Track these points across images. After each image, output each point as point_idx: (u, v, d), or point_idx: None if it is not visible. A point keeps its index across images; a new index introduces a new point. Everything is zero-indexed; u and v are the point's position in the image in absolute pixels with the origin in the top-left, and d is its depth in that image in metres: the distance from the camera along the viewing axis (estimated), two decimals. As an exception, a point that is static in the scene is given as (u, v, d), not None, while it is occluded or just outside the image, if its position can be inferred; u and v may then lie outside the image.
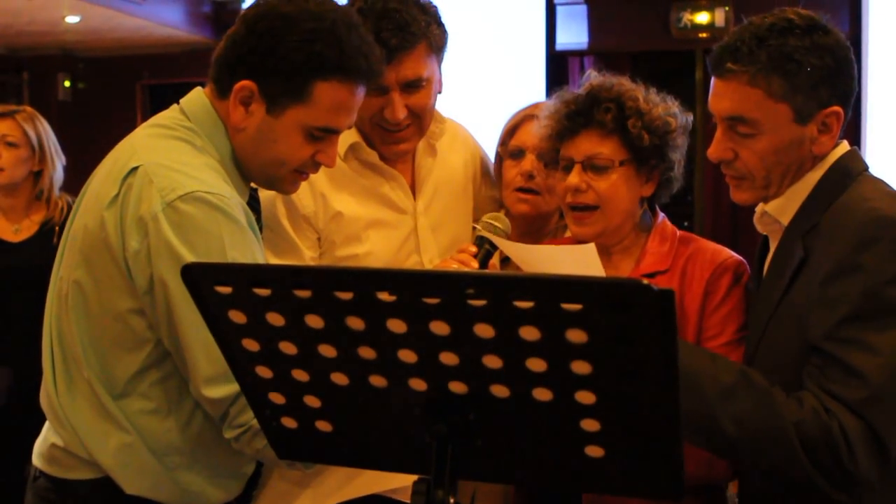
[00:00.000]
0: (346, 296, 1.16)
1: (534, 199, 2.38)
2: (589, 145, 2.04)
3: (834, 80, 1.79)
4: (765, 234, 1.96)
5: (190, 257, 1.67)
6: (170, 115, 1.89)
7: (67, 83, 8.47)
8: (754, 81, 1.77)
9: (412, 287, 1.13)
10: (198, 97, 1.89)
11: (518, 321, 1.11)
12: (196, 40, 7.59)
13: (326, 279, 1.17)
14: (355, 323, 1.19)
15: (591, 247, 1.86)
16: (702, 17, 6.48)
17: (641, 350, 1.10)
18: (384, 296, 1.14)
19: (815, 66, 1.77)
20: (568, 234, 2.24)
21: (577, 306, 1.07)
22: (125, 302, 1.75)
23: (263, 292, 1.20)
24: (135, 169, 1.74)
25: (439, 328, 1.15)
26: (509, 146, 2.42)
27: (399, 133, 2.17)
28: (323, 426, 1.36)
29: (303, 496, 2.13)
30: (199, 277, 1.22)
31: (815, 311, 1.71)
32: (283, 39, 1.77)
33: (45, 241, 3.64)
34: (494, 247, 2.08)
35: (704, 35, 6.56)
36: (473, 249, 2.06)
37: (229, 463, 1.88)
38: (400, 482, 2.14)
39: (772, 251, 1.91)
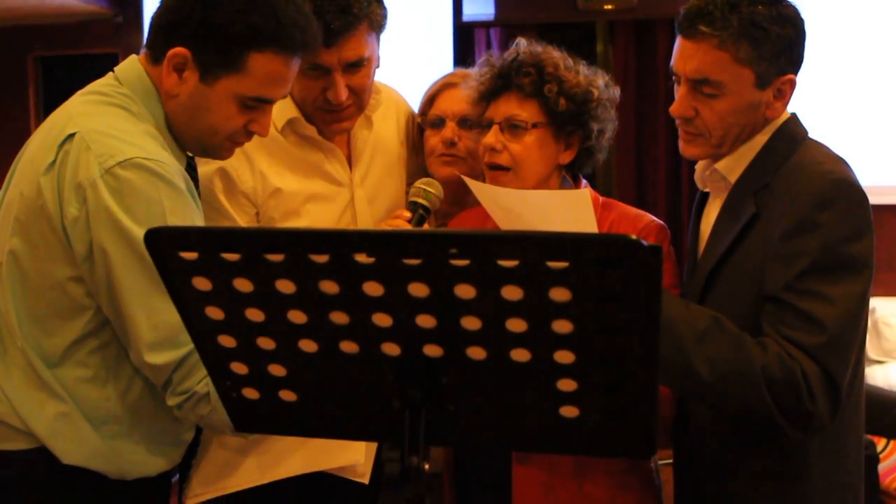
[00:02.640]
0: (321, 259, 1.12)
1: (456, 161, 2.39)
2: (508, 107, 2.11)
3: (792, 49, 1.90)
4: (706, 190, 2.05)
5: (129, 224, 1.67)
6: (105, 82, 1.86)
7: (-47, 56, 8.11)
8: (723, 45, 1.85)
9: (393, 248, 1.10)
10: (131, 64, 1.87)
11: (501, 280, 1.09)
12: (91, 10, 7.29)
13: (302, 242, 1.13)
14: (329, 287, 1.15)
15: (586, 192, 1.87)
16: (607, -10, 6.53)
17: (625, 307, 1.10)
18: (362, 258, 1.11)
19: (779, 35, 1.86)
20: None
21: (562, 264, 1.06)
22: (63, 270, 1.73)
23: (232, 257, 1.16)
24: (71, 135, 1.73)
25: (418, 290, 1.13)
26: (429, 115, 2.43)
27: (341, 113, 2.17)
28: (287, 396, 1.32)
29: (246, 464, 2.11)
30: (163, 243, 1.17)
31: (774, 265, 1.80)
32: (219, 9, 1.76)
33: None
34: (428, 211, 2.12)
35: (609, 7, 6.61)
36: (407, 215, 2.09)
37: (169, 430, 1.87)
38: (348, 459, 2.15)
39: (715, 206, 2.00)
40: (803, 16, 1.91)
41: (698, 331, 1.76)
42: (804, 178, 1.83)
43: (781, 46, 1.86)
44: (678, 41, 1.92)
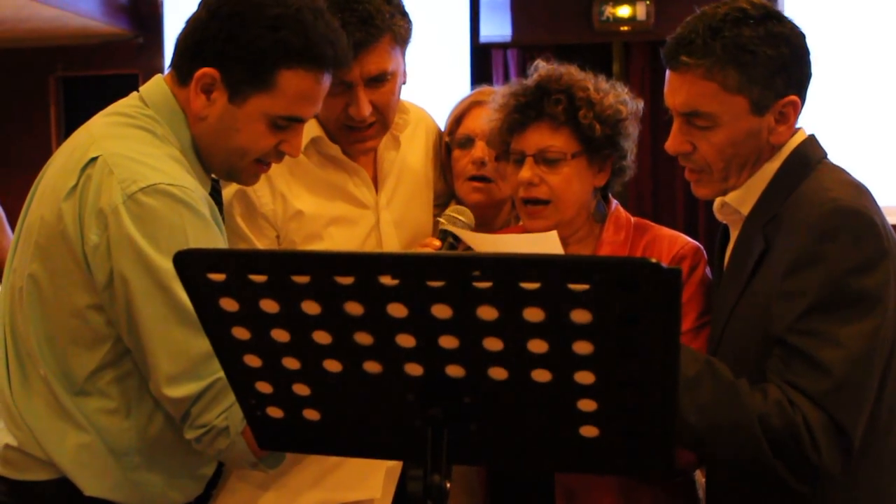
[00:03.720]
0: (346, 280, 1.15)
1: (487, 188, 2.35)
2: (540, 138, 2.02)
3: (789, 70, 1.78)
4: (725, 223, 1.96)
5: (151, 252, 1.63)
6: (129, 102, 1.83)
7: (-24, 76, 8.20)
8: (709, 74, 1.76)
9: (417, 271, 1.12)
10: (157, 84, 1.83)
11: (523, 302, 1.11)
12: (113, 32, 7.40)
13: (328, 264, 1.15)
14: (354, 308, 1.17)
15: (554, 234, 1.87)
16: (623, 11, 6.57)
17: (645, 329, 1.11)
18: (386, 280, 1.14)
19: (770, 57, 1.75)
20: (521, 223, 2.25)
21: (583, 286, 1.08)
22: (83, 297, 1.69)
23: (259, 279, 1.18)
24: (94, 159, 1.68)
25: (441, 311, 1.15)
26: (457, 135, 2.37)
27: (365, 132, 2.11)
28: (310, 415, 1.34)
29: (264, 498, 2.09)
30: (192, 264, 1.19)
31: (778, 304, 1.70)
32: (247, 26, 1.72)
33: None
34: (458, 240, 2.05)
35: (626, 28, 6.65)
36: (437, 243, 2.04)
37: (189, 464, 1.83)
38: (365, 494, 2.12)
39: (732, 241, 1.91)
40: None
41: (687, 377, 1.66)
42: (807, 207, 1.71)
43: (775, 68, 1.75)
44: (667, 73, 1.84)
